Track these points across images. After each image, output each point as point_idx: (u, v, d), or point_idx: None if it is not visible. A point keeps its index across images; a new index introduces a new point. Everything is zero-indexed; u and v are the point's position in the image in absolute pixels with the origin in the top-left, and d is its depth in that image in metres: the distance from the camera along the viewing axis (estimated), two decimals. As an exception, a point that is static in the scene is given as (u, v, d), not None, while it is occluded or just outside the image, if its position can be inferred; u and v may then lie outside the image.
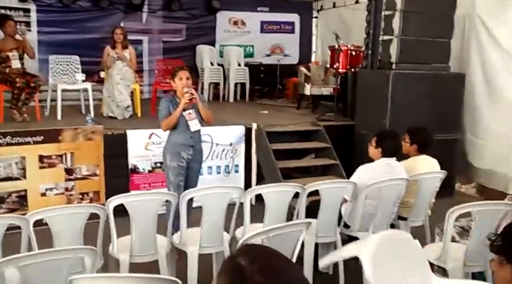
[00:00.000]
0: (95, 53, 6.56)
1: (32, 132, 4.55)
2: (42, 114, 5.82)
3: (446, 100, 5.49)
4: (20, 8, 7.38)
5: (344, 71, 6.44)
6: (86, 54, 6.82)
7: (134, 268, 3.01)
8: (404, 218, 3.74)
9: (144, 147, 4.97)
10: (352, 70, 6.29)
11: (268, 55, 9.31)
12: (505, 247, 1.65)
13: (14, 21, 5.77)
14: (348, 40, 6.89)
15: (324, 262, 2.78)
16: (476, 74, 5.75)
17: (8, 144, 4.42)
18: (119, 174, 4.89)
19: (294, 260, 2.52)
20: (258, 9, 9.20)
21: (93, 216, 2.85)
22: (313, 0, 9.56)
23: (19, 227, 2.67)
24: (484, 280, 2.87)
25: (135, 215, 3.00)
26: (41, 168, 4.56)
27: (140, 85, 6.82)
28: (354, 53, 6.55)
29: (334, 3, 8.95)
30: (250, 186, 4.81)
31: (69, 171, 4.68)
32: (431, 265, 2.77)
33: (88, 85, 6.13)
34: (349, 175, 4.30)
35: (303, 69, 7.25)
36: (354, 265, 3.41)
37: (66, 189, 4.68)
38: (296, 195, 3.34)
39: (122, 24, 7.22)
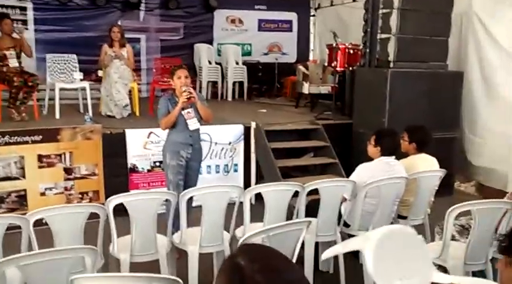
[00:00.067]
0: (93, 52, 6.54)
1: (30, 132, 4.54)
2: (40, 113, 5.80)
3: (445, 98, 5.50)
4: (16, 6, 7.34)
5: (342, 69, 6.45)
6: (83, 52, 6.81)
7: (134, 267, 3.01)
8: (404, 217, 3.75)
9: (143, 146, 4.97)
10: (350, 68, 6.29)
11: (266, 53, 9.30)
12: None
13: (11, 19, 5.75)
14: (346, 38, 6.89)
15: (327, 255, 2.78)
16: (474, 72, 5.76)
17: (6, 144, 4.41)
18: (118, 173, 4.88)
19: (294, 259, 2.53)
20: (256, 7, 9.18)
21: (93, 216, 2.85)
22: (311, -2, 9.57)
23: (19, 227, 2.66)
24: (485, 278, 2.88)
25: (135, 215, 3.00)
26: (40, 167, 4.55)
27: (138, 84, 6.81)
28: (351, 51, 6.55)
29: (331, 2, 8.95)
30: (249, 185, 4.81)
31: (68, 171, 4.67)
32: (431, 263, 2.78)
33: (86, 84, 6.12)
34: (347, 174, 4.32)
35: (301, 67, 7.25)
36: (354, 264, 3.43)
37: (66, 189, 4.67)
38: (295, 194, 3.34)
39: (119, 23, 7.21)
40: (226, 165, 5.37)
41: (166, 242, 3.19)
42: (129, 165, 4.94)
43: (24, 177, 4.50)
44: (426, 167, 3.82)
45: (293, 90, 8.05)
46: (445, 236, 2.96)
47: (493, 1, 5.60)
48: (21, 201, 4.50)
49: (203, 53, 8.27)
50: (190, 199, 3.36)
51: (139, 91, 6.83)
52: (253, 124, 5.43)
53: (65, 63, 6.51)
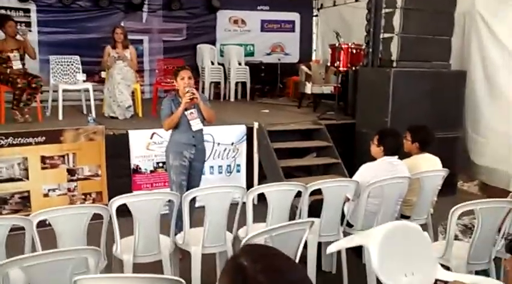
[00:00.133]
0: (96, 53, 6.56)
1: (33, 133, 4.55)
2: (43, 114, 5.82)
3: (447, 98, 5.49)
4: (20, 8, 7.37)
5: (345, 69, 6.44)
6: (86, 54, 6.83)
7: (137, 268, 3.02)
8: (407, 217, 3.74)
9: (146, 147, 4.98)
10: (353, 68, 6.29)
11: (268, 54, 9.31)
12: None
13: (14, 21, 5.77)
14: (349, 38, 6.88)
15: (331, 249, 2.79)
16: (477, 72, 5.75)
17: (10, 145, 4.43)
18: (121, 174, 4.89)
19: (297, 259, 2.53)
20: (258, 8, 9.19)
21: (96, 216, 2.85)
22: (313, -2, 9.57)
23: (23, 228, 2.67)
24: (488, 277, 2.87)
25: (138, 216, 3.01)
26: (43, 168, 4.56)
27: (141, 85, 6.82)
28: (354, 51, 6.54)
29: (334, 2, 8.94)
30: (252, 186, 4.80)
31: (71, 172, 4.68)
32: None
33: (89, 86, 6.13)
34: (350, 174, 4.31)
35: (303, 67, 7.25)
36: (357, 264, 3.43)
37: (69, 190, 4.69)
38: (298, 194, 3.34)
39: (122, 24, 7.22)
40: (229, 166, 5.37)
41: (169, 242, 3.19)
42: (132, 166, 4.95)
43: (27, 178, 4.52)
44: (429, 167, 3.81)
45: (296, 90, 8.04)
46: (448, 236, 2.95)
47: (496, 0, 5.58)
48: (24, 202, 4.52)
49: (206, 53, 8.28)
50: (193, 200, 3.37)
51: (142, 92, 6.84)
52: (255, 125, 5.43)
53: (68, 65, 6.52)
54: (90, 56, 6.83)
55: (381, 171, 3.50)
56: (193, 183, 3.94)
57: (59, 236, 2.74)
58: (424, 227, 3.75)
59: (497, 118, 5.56)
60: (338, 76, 6.44)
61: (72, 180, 4.68)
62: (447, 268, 2.93)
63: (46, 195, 4.61)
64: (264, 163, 5.37)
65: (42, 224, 2.74)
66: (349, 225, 3.58)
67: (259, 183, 5.18)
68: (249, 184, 5.05)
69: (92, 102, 6.01)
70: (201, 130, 3.98)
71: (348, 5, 8.36)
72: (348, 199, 3.51)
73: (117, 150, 4.88)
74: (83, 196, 4.74)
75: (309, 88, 6.91)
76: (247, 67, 8.33)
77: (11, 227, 2.66)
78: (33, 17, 7.49)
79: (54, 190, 4.62)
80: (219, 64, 8.37)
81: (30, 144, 4.49)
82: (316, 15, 9.71)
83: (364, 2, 6.12)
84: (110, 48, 6.00)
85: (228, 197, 3.20)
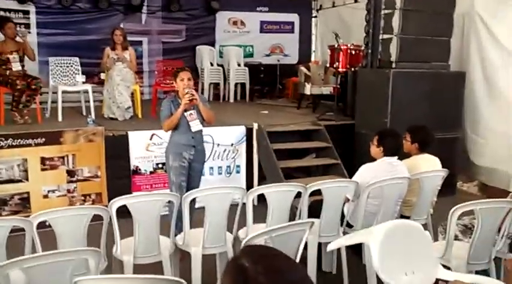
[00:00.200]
0: (95, 55, 6.56)
1: (33, 134, 4.55)
2: (43, 116, 5.82)
3: (447, 98, 5.49)
4: (19, 9, 7.37)
5: (344, 70, 6.45)
6: (85, 55, 6.82)
7: (138, 269, 3.01)
8: (407, 217, 3.73)
9: (146, 148, 4.98)
10: (352, 69, 6.30)
11: (267, 55, 9.32)
12: None
13: (14, 23, 5.77)
14: (348, 39, 6.89)
15: (331, 247, 2.79)
16: (476, 72, 5.76)
17: (9, 146, 4.43)
18: (120, 176, 4.89)
19: (297, 260, 2.53)
20: (257, 9, 9.20)
21: (96, 218, 2.85)
22: (312, -1, 9.58)
23: (23, 230, 2.67)
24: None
25: (138, 217, 3.01)
26: (42, 170, 4.56)
27: (140, 87, 6.82)
28: (353, 52, 6.56)
29: (333, 3, 8.96)
30: (251, 186, 4.80)
31: (71, 173, 4.68)
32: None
33: (88, 87, 6.14)
34: (350, 175, 4.32)
35: (303, 68, 7.25)
36: (357, 264, 3.43)
37: (68, 191, 4.69)
38: (298, 195, 3.34)
39: (121, 26, 7.22)
40: (229, 167, 5.37)
41: (169, 243, 3.19)
42: (131, 167, 4.95)
43: (27, 179, 4.52)
44: (429, 167, 3.82)
45: (295, 91, 8.05)
46: (448, 236, 2.95)
47: (495, 1, 5.59)
48: (24, 204, 4.52)
49: (205, 54, 8.29)
50: (193, 201, 3.37)
51: (142, 93, 6.85)
52: (255, 126, 5.43)
53: (68, 66, 6.53)
54: (90, 57, 6.84)
55: (381, 172, 3.51)
56: (193, 184, 3.94)
57: (59, 238, 2.74)
58: (424, 227, 3.71)
59: (496, 118, 5.57)
60: (337, 77, 6.45)
61: (71, 181, 4.69)
62: (447, 268, 2.93)
63: (46, 196, 4.61)
64: (263, 164, 5.37)
65: (42, 225, 2.73)
66: (349, 226, 3.58)
67: (259, 183, 5.19)
68: (249, 185, 5.05)
69: (92, 104, 6.01)
70: (201, 131, 3.98)
71: (347, 6, 8.37)
72: (347, 200, 3.52)
73: (116, 151, 4.88)
74: (83, 197, 4.74)
75: (308, 89, 6.92)
76: (247, 68, 8.34)
77: (11, 228, 2.65)
78: (33, 18, 7.48)
79: (53, 191, 4.62)
80: (218, 65, 8.39)
81: (29, 145, 4.50)
82: (315, 16, 9.72)
83: (363, 3, 6.14)
84: (109, 49, 6.00)
85: (228, 198, 3.20)
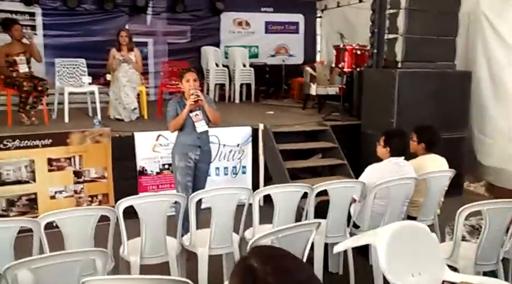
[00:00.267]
0: (101, 56, 6.59)
1: (40, 135, 4.58)
2: (49, 117, 5.84)
3: (453, 98, 5.47)
4: (25, 11, 7.41)
5: (349, 70, 6.43)
6: (91, 56, 6.86)
7: (144, 269, 3.02)
8: (414, 218, 3.72)
9: (152, 148, 4.99)
10: (358, 69, 6.28)
11: (273, 55, 9.32)
12: None
13: (20, 25, 5.81)
14: (353, 39, 6.88)
15: (338, 249, 2.79)
16: (482, 72, 5.73)
17: (17, 148, 4.45)
18: (127, 176, 4.90)
19: (303, 261, 2.52)
20: (262, 9, 9.21)
21: (103, 218, 2.86)
22: (317, -1, 9.57)
23: (30, 230, 2.69)
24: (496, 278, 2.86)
25: (144, 217, 3.02)
26: (50, 171, 4.59)
27: (146, 88, 6.84)
28: (359, 52, 6.54)
29: (338, 3, 8.94)
30: (257, 187, 4.82)
31: (77, 174, 4.70)
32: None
33: (94, 88, 6.16)
34: (356, 175, 4.31)
35: (308, 69, 7.24)
36: (364, 265, 3.42)
37: (75, 192, 4.71)
38: (304, 195, 3.34)
39: (126, 27, 7.25)
40: (235, 167, 5.38)
41: (176, 244, 3.20)
42: (138, 168, 4.96)
43: (34, 180, 4.54)
44: (435, 167, 3.80)
45: (300, 92, 8.05)
46: (455, 237, 2.94)
47: (500, 0, 5.57)
48: (31, 205, 4.54)
49: (210, 55, 8.30)
50: (199, 201, 3.37)
51: (148, 94, 6.87)
52: (261, 126, 5.43)
53: (74, 68, 6.56)
54: (96, 58, 6.86)
55: (387, 172, 3.50)
56: (199, 185, 3.95)
57: (66, 238, 2.76)
58: (431, 228, 3.73)
59: (503, 118, 5.54)
60: (343, 78, 6.44)
61: (78, 182, 4.71)
62: (454, 269, 2.92)
63: (53, 197, 4.63)
64: (269, 164, 5.37)
65: (49, 226, 2.75)
66: (356, 226, 3.57)
67: (265, 184, 5.18)
68: (255, 186, 5.05)
69: (98, 105, 6.04)
70: (207, 131, 3.99)
71: (352, 6, 8.36)
72: (354, 200, 3.51)
73: (123, 152, 4.90)
74: (90, 198, 4.75)
75: (313, 90, 6.91)
76: (252, 69, 8.34)
77: (19, 229, 2.67)
78: (39, 20, 7.53)
79: (60, 192, 4.65)
80: (223, 66, 8.39)
81: (37, 146, 4.52)
82: (320, 17, 9.71)
83: (368, 3, 6.12)
84: (115, 50, 6.02)
85: (235, 198, 3.20)
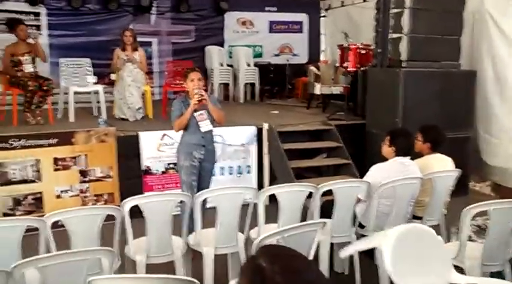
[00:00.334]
0: (105, 55, 6.60)
1: (46, 135, 4.60)
2: (55, 116, 5.87)
3: (458, 98, 5.45)
4: (30, 11, 7.44)
5: (354, 69, 6.42)
6: (96, 56, 6.87)
7: (150, 268, 3.03)
8: (420, 218, 3.72)
9: (157, 148, 5.00)
10: (362, 69, 6.27)
11: (277, 55, 9.32)
12: None
13: (26, 25, 5.83)
14: (357, 38, 6.87)
15: (345, 253, 2.78)
16: (487, 71, 5.71)
17: (22, 147, 4.47)
18: (132, 176, 4.92)
19: (309, 260, 2.52)
20: (266, 9, 9.21)
21: (108, 218, 2.87)
22: (321, -1, 9.56)
23: (36, 229, 2.70)
24: (503, 279, 2.85)
25: (150, 217, 3.03)
26: (55, 170, 4.60)
27: (151, 87, 6.86)
28: (363, 52, 6.52)
29: (342, 2, 8.93)
30: (262, 187, 4.81)
31: (83, 173, 4.72)
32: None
33: (99, 88, 6.18)
34: (361, 175, 4.30)
35: (312, 68, 7.24)
36: (369, 265, 3.41)
37: (81, 191, 4.72)
38: (309, 195, 3.34)
39: (131, 26, 7.25)
40: (239, 167, 5.38)
41: (181, 243, 3.20)
42: (143, 167, 4.98)
43: (40, 179, 4.56)
44: (441, 167, 3.79)
45: (304, 91, 8.04)
46: (461, 237, 2.93)
47: (505, -1, 5.55)
48: (37, 204, 4.56)
49: (214, 55, 8.31)
50: (204, 201, 3.38)
51: (152, 94, 6.88)
52: (265, 126, 5.43)
53: (79, 67, 6.58)
54: (100, 58, 6.87)
55: (393, 172, 3.49)
56: (204, 184, 3.96)
57: (72, 237, 2.77)
58: (437, 228, 3.74)
59: (509, 117, 5.52)
60: (347, 77, 6.42)
61: (84, 181, 4.72)
62: (460, 269, 2.91)
63: (58, 196, 4.65)
64: (274, 164, 5.37)
65: (55, 225, 2.76)
66: (361, 226, 3.57)
67: (270, 184, 5.19)
68: (260, 185, 5.06)
69: (103, 104, 6.06)
70: (211, 131, 4.00)
71: (356, 5, 8.34)
72: (359, 200, 3.51)
73: (128, 151, 4.91)
74: (95, 198, 4.77)
75: (318, 89, 6.90)
76: (256, 68, 8.35)
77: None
78: (44, 20, 7.56)
79: (66, 191, 4.66)
80: (227, 65, 8.40)
81: (42, 145, 4.54)
82: (324, 16, 9.70)
83: (372, 2, 6.11)
84: (120, 50, 6.04)
85: (240, 198, 3.21)
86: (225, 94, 8.27)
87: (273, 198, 3.32)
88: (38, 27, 7.43)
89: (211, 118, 3.93)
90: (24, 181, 4.50)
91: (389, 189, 3.39)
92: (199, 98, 3.78)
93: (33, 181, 4.53)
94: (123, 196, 3.69)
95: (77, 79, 6.50)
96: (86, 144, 4.71)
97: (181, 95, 4.16)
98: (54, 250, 2.68)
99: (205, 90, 4.06)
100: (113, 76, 6.25)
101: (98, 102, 6.20)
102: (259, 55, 9.18)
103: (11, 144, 4.43)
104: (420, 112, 5.11)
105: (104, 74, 6.77)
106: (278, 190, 3.28)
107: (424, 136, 3.92)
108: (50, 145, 4.56)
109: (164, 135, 4.98)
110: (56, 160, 4.59)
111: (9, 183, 4.45)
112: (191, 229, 3.33)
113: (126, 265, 3.11)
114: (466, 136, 5.57)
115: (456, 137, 5.15)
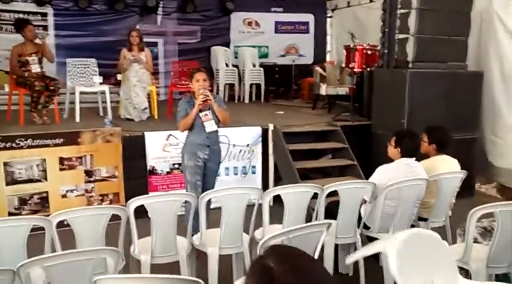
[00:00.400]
0: (112, 56, 6.62)
1: (52, 135, 4.62)
2: (61, 116, 5.90)
3: (464, 99, 5.42)
4: (37, 12, 7.49)
5: (360, 70, 6.39)
6: (102, 56, 6.89)
7: (155, 268, 3.04)
8: (425, 219, 3.70)
9: (162, 148, 5.01)
10: (368, 69, 6.25)
11: (283, 55, 9.31)
12: None
13: (33, 25, 5.86)
14: (363, 39, 6.84)
15: (351, 259, 2.78)
16: (494, 72, 5.68)
17: (29, 147, 4.49)
18: (137, 176, 4.93)
19: (314, 261, 2.52)
20: (272, 9, 9.21)
21: (114, 217, 2.88)
22: (328, -1, 9.55)
23: (42, 229, 2.71)
24: (509, 282, 2.83)
25: (155, 217, 3.03)
26: (61, 169, 4.62)
27: (156, 87, 6.88)
28: (369, 52, 6.49)
29: (348, 3, 8.91)
30: (267, 187, 4.81)
31: (88, 173, 4.73)
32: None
33: (105, 88, 6.21)
34: (366, 176, 4.29)
35: (318, 69, 7.23)
36: (374, 266, 3.40)
37: (86, 191, 4.74)
38: (314, 196, 3.33)
39: (137, 27, 7.27)
40: (244, 167, 5.38)
41: (186, 243, 3.21)
42: (148, 167, 4.99)
43: (46, 179, 4.58)
44: (447, 168, 3.77)
45: (310, 92, 8.03)
46: (467, 239, 2.92)
47: (513, -1, 5.51)
48: (43, 203, 4.58)
49: (220, 55, 8.31)
50: (209, 201, 3.38)
51: (158, 94, 6.90)
52: (271, 126, 5.43)
53: (85, 67, 6.61)
54: (106, 58, 6.90)
55: (398, 173, 3.47)
56: (208, 184, 3.97)
57: (77, 237, 2.78)
58: (443, 229, 3.72)
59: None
60: (353, 78, 6.40)
61: (89, 181, 4.74)
62: (466, 271, 2.89)
63: (64, 196, 4.67)
64: (279, 164, 5.36)
65: (60, 224, 2.77)
66: (366, 227, 3.56)
67: (275, 184, 5.18)
68: (265, 186, 5.06)
69: (108, 104, 6.08)
70: (216, 131, 4.00)
71: (363, 6, 8.32)
72: (364, 201, 3.49)
73: (133, 151, 4.92)
74: (100, 197, 4.79)
75: (323, 90, 6.89)
76: (262, 69, 8.34)
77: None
78: (50, 20, 7.61)
79: (72, 191, 4.68)
80: (233, 66, 8.40)
81: (48, 145, 4.56)
82: (331, 16, 9.69)
83: (378, 3, 6.09)
84: (126, 50, 6.05)
85: (245, 198, 3.21)
86: (231, 94, 8.27)
87: (277, 199, 3.32)
88: (45, 28, 7.48)
89: (216, 118, 3.93)
90: (30, 181, 4.52)
91: (394, 190, 3.37)
92: (204, 98, 3.80)
93: (39, 181, 4.56)
94: (128, 196, 3.70)
95: (83, 79, 6.53)
96: (92, 144, 4.73)
97: (187, 95, 4.17)
98: (60, 250, 2.69)
99: (211, 91, 4.07)
100: (119, 77, 6.28)
101: (104, 102, 6.23)
102: (265, 55, 9.18)
103: (18, 144, 4.46)
104: (426, 113, 5.09)
105: (110, 74, 6.79)
106: (283, 190, 3.28)
107: (430, 138, 3.90)
108: (56, 145, 4.59)
109: (169, 135, 4.99)
110: (61, 159, 4.61)
111: (15, 182, 4.48)
112: (196, 229, 3.33)
113: (131, 265, 3.12)
114: (472, 137, 5.54)
115: (462, 138, 5.12)
